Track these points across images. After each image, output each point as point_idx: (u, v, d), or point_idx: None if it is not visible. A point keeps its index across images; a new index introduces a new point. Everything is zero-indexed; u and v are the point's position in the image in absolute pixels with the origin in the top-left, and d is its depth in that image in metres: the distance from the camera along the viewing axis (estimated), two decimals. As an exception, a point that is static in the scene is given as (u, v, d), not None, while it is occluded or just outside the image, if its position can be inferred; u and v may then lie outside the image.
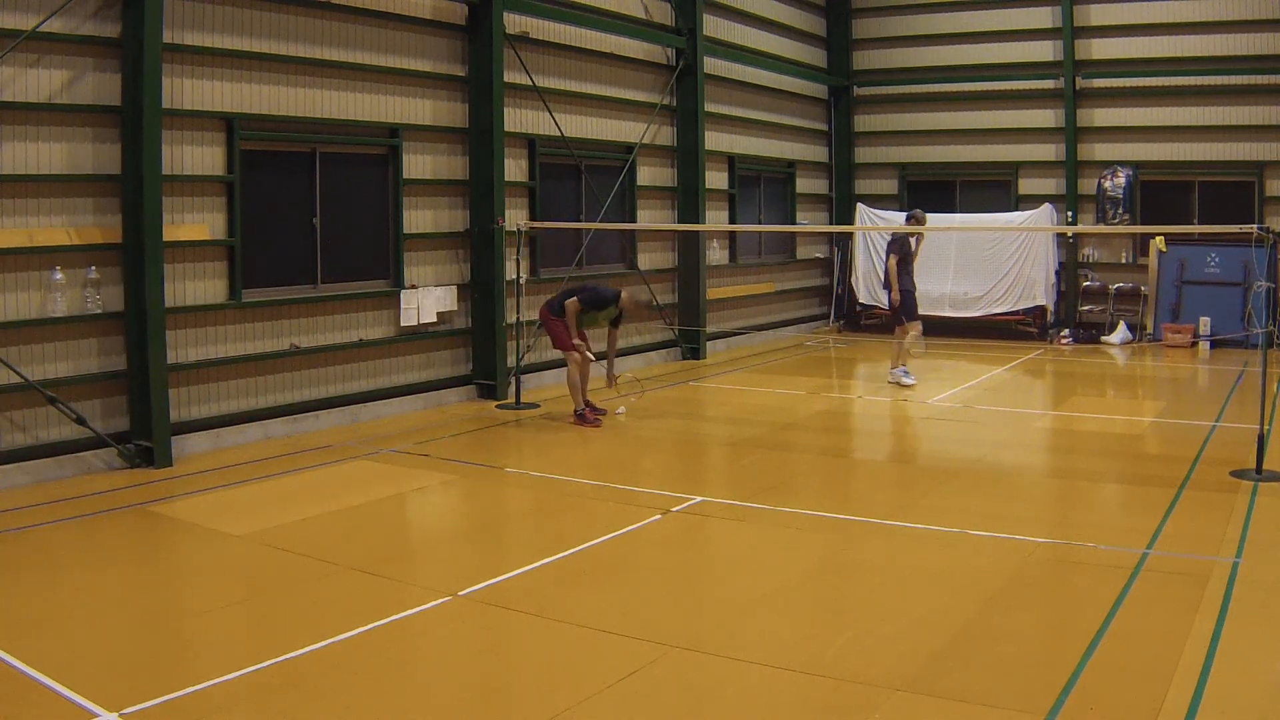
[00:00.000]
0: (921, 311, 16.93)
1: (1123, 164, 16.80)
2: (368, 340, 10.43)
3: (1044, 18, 17.46)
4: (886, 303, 12.56)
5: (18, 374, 7.68)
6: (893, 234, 12.47)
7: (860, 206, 18.15)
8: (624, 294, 10.43)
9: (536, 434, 9.96)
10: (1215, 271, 15.65)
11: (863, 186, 19.41)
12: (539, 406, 11.11)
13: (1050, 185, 17.57)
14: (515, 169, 12.19)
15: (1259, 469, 7.79)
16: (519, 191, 12.33)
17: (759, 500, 7.42)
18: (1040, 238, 16.23)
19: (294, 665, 4.66)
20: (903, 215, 17.68)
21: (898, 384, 12.24)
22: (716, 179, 15.97)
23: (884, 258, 12.43)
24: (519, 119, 12.19)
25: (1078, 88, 17.15)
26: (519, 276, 11.29)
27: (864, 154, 19.47)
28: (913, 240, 12.49)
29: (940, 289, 16.90)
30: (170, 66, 8.56)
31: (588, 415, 10.12)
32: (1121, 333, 16.21)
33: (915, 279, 12.60)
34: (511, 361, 11.54)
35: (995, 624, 5.13)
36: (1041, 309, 16.53)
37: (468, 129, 11.46)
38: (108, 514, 7.13)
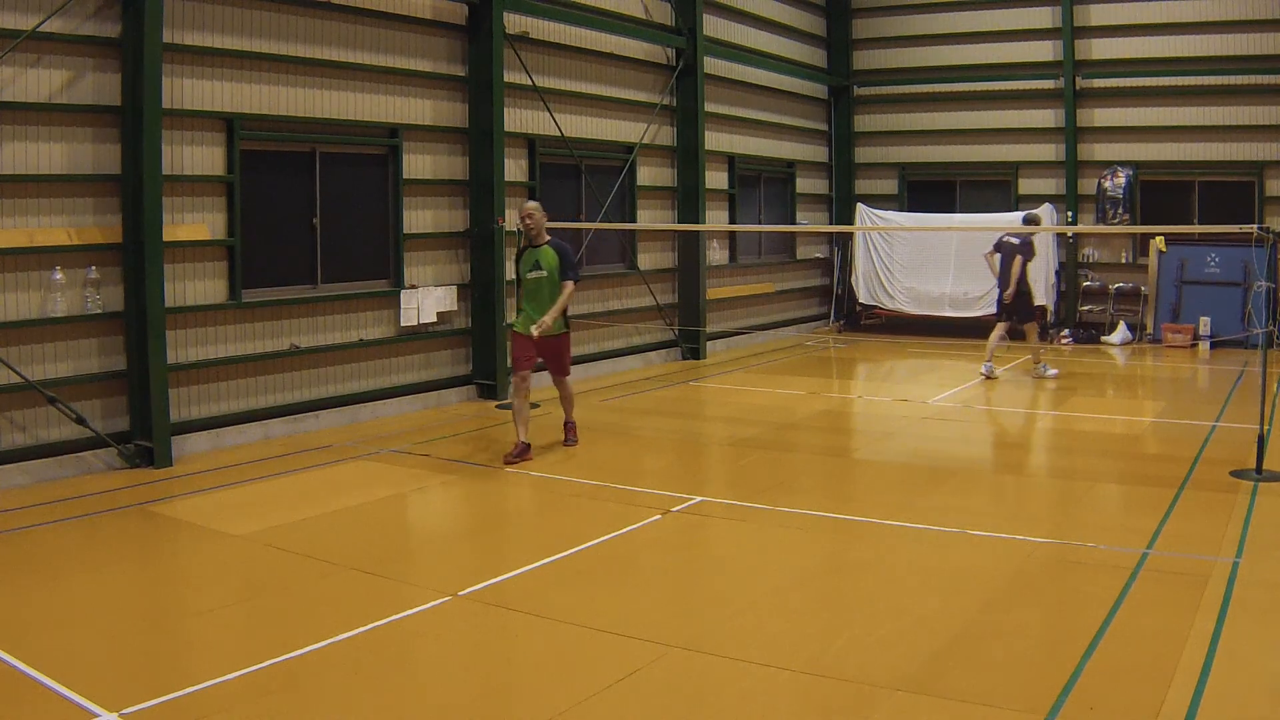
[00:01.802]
0: (921, 311, 17.11)
1: (1123, 164, 16.80)
2: (368, 340, 10.43)
3: (1044, 18, 17.46)
4: (999, 300, 12.84)
5: (18, 374, 7.68)
6: (1021, 236, 12.58)
7: (860, 206, 18.14)
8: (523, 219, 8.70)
9: (536, 434, 9.94)
10: (1215, 271, 15.64)
11: (863, 186, 19.41)
12: (539, 406, 11.11)
13: (1050, 185, 17.57)
14: (515, 169, 12.19)
15: (1259, 469, 7.79)
16: (519, 191, 12.33)
17: (759, 500, 7.42)
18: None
19: (294, 665, 4.66)
20: (903, 215, 17.75)
21: (1042, 377, 12.71)
22: (716, 179, 15.97)
23: (1009, 258, 12.50)
24: (519, 119, 12.19)
25: (1078, 88, 17.15)
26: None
27: (864, 154, 19.47)
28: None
29: (940, 289, 16.90)
30: (170, 66, 8.57)
31: (513, 450, 8.56)
32: (1121, 333, 16.21)
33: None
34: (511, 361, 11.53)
35: (995, 624, 5.13)
36: (1041, 309, 16.51)
37: (468, 129, 11.47)
38: (108, 514, 7.13)
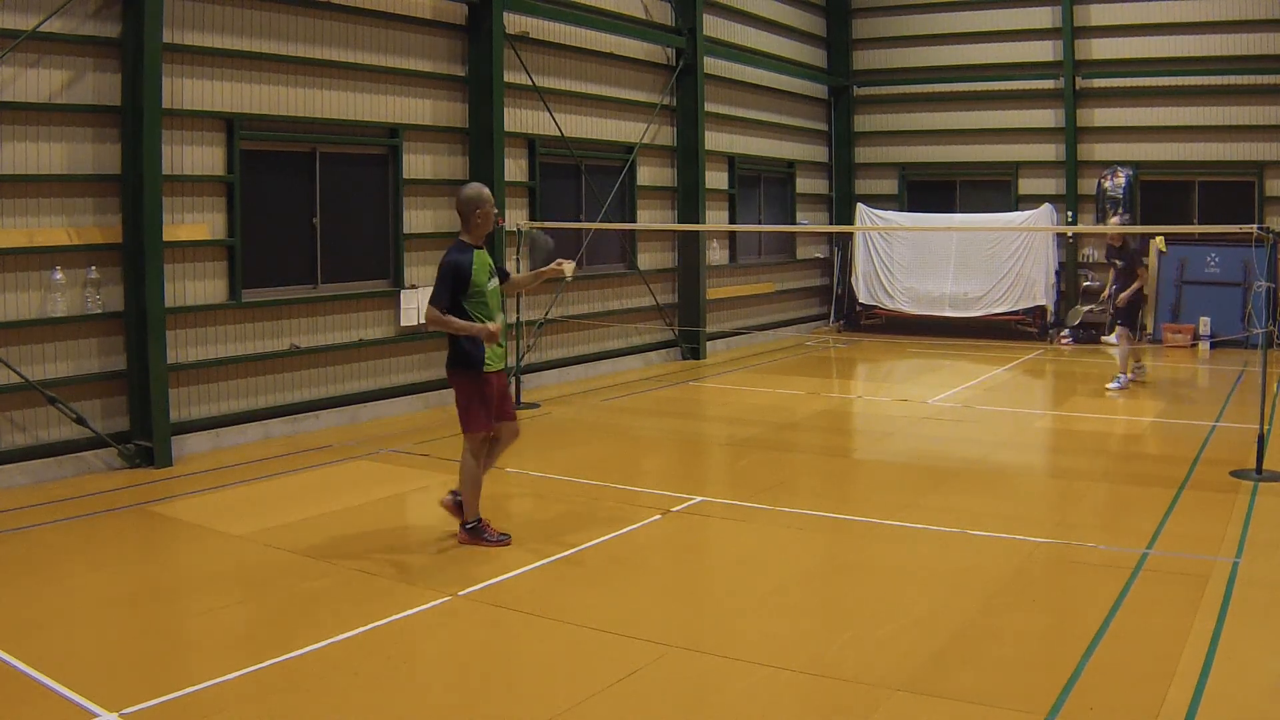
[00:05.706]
0: (922, 311, 17.12)
1: (1123, 164, 16.79)
2: (368, 340, 10.43)
3: (1044, 18, 17.47)
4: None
5: (18, 374, 7.68)
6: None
7: (860, 206, 18.14)
8: (465, 218, 6.32)
9: (536, 434, 9.95)
10: (1215, 271, 15.64)
11: (863, 186, 19.41)
12: (539, 406, 11.11)
13: (1050, 185, 17.57)
14: (515, 169, 12.19)
15: (1259, 469, 7.79)
16: (519, 191, 12.33)
17: (759, 500, 7.41)
18: (1040, 238, 16.23)
19: (294, 665, 4.66)
20: (903, 215, 17.76)
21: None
22: (716, 179, 15.97)
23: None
24: (519, 119, 12.19)
25: (1078, 88, 17.15)
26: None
27: (864, 154, 19.47)
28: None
29: (940, 289, 16.90)
30: (170, 66, 8.56)
31: (488, 530, 6.49)
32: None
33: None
34: (511, 361, 11.53)
35: (995, 624, 5.14)
36: (1041, 309, 16.53)
37: (468, 129, 11.46)
38: (108, 514, 7.13)
